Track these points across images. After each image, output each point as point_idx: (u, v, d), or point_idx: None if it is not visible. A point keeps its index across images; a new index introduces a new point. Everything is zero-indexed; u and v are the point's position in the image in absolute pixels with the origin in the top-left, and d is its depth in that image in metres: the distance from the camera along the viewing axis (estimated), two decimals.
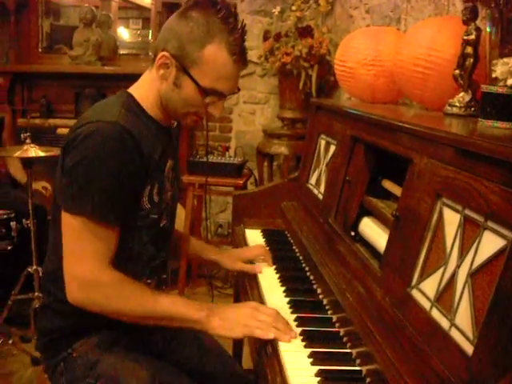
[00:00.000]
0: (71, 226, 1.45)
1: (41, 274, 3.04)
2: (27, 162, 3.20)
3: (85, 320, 1.54)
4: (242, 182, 3.81)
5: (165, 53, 1.51)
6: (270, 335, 1.41)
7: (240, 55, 1.51)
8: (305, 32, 3.92)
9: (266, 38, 4.13)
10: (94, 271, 1.44)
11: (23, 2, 4.64)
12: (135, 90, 1.61)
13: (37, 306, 3.12)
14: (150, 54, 4.47)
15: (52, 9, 4.93)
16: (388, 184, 1.74)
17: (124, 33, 5.05)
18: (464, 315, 1.03)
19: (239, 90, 1.61)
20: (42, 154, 3.09)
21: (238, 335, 1.46)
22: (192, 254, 2.00)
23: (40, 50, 4.78)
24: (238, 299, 2.32)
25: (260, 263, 1.95)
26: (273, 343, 1.41)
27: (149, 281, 1.66)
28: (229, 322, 1.46)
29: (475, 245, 1.05)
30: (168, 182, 1.66)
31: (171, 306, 1.47)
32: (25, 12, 4.69)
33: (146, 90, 1.59)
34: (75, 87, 4.60)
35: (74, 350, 1.56)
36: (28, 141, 3.12)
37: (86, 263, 1.44)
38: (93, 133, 1.42)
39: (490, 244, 1.00)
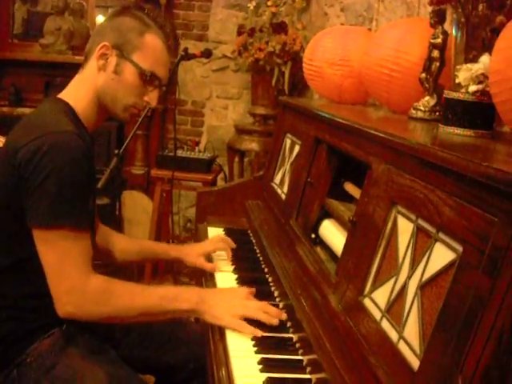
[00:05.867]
0: (48, 240, 1.43)
1: None
2: None
3: (38, 320, 1.51)
4: (210, 177, 3.76)
5: (105, 43, 1.57)
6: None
7: (171, 45, 1.65)
8: (279, 28, 3.88)
9: (240, 33, 4.07)
10: (81, 280, 1.44)
11: None
12: (67, 95, 1.62)
13: None
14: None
15: None
16: (350, 187, 1.71)
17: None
18: (412, 328, 1.00)
19: (165, 86, 1.71)
20: None
21: (226, 325, 1.45)
22: (151, 257, 2.09)
23: (13, 36, 4.66)
24: None
25: (219, 260, 1.94)
26: (224, 345, 1.39)
27: None
28: (219, 309, 1.47)
29: (426, 256, 1.02)
30: None
31: (162, 301, 1.50)
32: None
33: (79, 92, 1.62)
34: (45, 76, 4.49)
35: (27, 354, 1.49)
36: None
37: (72, 274, 1.43)
38: (55, 144, 1.42)
39: (440, 256, 0.98)
